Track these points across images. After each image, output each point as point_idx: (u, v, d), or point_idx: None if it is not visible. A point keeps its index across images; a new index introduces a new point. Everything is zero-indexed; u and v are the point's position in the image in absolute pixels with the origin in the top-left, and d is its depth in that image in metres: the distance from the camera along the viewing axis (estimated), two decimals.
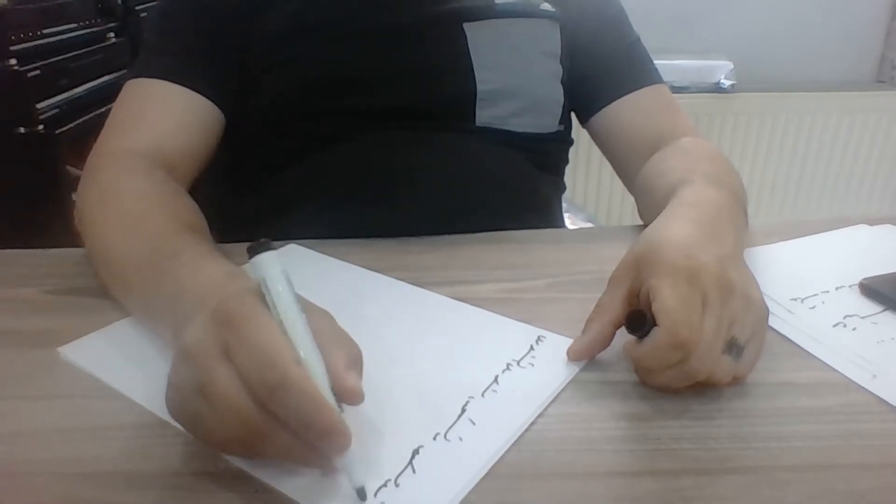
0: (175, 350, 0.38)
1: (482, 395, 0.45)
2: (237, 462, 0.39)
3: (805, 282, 0.59)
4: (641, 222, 0.71)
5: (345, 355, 0.37)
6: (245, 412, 0.34)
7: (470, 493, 0.37)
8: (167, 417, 0.42)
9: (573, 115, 0.84)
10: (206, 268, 0.45)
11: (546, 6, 0.78)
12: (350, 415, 0.36)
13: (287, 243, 0.65)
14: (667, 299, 0.42)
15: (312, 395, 0.33)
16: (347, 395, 0.36)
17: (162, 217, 0.55)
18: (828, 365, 0.48)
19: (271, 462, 0.38)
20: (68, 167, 1.33)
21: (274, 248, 0.38)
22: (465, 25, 0.74)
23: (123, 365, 0.48)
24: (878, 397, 0.45)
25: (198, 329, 0.36)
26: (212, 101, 0.70)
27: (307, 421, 0.33)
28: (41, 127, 1.33)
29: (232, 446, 0.36)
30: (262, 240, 0.38)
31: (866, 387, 0.46)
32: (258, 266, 0.37)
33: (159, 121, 0.68)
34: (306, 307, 0.38)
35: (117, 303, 0.55)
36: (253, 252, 0.37)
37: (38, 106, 1.33)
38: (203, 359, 0.35)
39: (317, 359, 0.36)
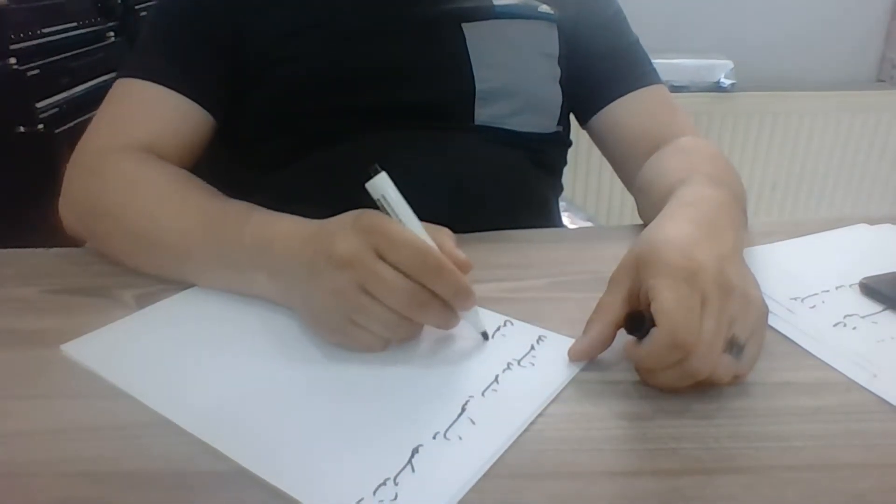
0: (309, 274, 0.48)
1: (482, 394, 0.45)
2: (237, 462, 0.39)
3: (805, 281, 0.59)
4: (641, 222, 0.71)
5: (448, 238, 0.49)
6: (412, 291, 0.44)
7: (469, 492, 0.37)
8: (168, 415, 0.42)
9: (572, 116, 0.84)
10: (282, 218, 0.55)
11: (544, 8, 0.78)
12: (350, 415, 0.36)
13: None
14: (665, 300, 0.42)
15: (457, 271, 0.46)
16: (464, 266, 0.48)
17: (200, 190, 0.61)
18: (828, 365, 0.48)
19: (268, 458, 0.38)
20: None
21: (383, 171, 0.47)
22: (464, 25, 0.74)
23: (126, 363, 0.48)
24: (878, 397, 0.45)
25: (346, 241, 0.45)
26: (200, 104, 0.70)
27: (456, 289, 0.46)
28: (41, 126, 1.32)
29: (387, 332, 0.47)
30: (374, 166, 0.46)
31: (866, 386, 0.46)
32: (376, 186, 0.46)
33: (148, 123, 0.68)
34: None
35: (118, 301, 0.55)
36: (368, 177, 0.46)
37: (38, 105, 1.33)
38: (363, 261, 0.44)
39: (434, 246, 0.46)
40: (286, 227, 0.53)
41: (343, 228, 0.46)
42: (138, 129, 0.67)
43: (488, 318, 0.53)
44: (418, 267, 0.44)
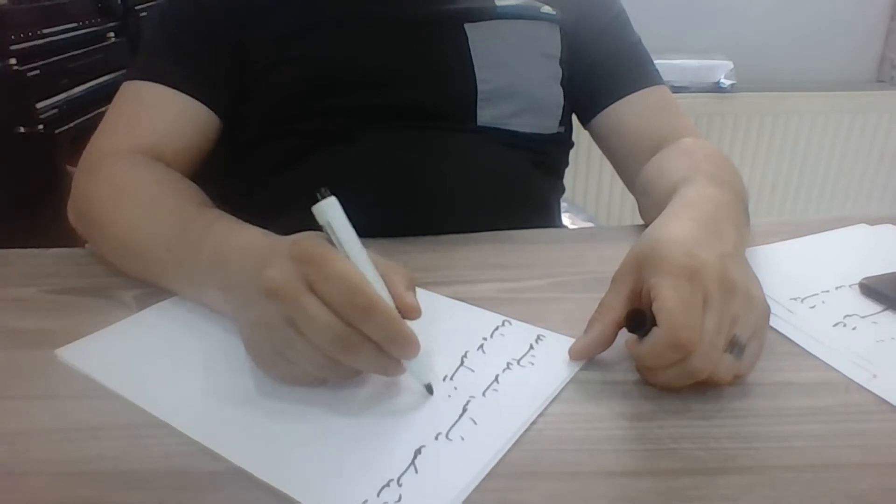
0: (246, 297, 0.44)
1: (483, 394, 0.45)
2: (237, 462, 0.39)
3: (805, 282, 0.59)
4: (642, 222, 0.71)
5: (402, 279, 0.44)
6: (338, 331, 0.40)
7: (471, 492, 0.37)
8: (166, 418, 0.42)
9: (574, 116, 0.84)
10: (241, 232, 0.52)
11: (546, 9, 0.78)
12: (353, 416, 0.37)
13: None
14: (667, 299, 0.42)
15: (394, 314, 0.41)
16: (408, 311, 0.43)
17: (179, 198, 0.60)
18: (828, 365, 0.48)
19: (271, 461, 0.38)
20: (68, 167, 1.33)
21: (332, 196, 0.42)
22: (467, 26, 0.74)
23: (121, 367, 0.48)
24: (878, 397, 0.45)
25: (278, 269, 0.41)
26: (206, 105, 0.71)
27: (391, 334, 0.40)
28: (41, 127, 1.32)
29: (315, 371, 0.42)
30: (322, 189, 0.42)
31: (866, 386, 0.46)
32: (323, 211, 0.42)
33: (155, 124, 0.69)
34: None
35: (118, 302, 0.55)
36: (315, 201, 0.42)
37: (38, 106, 1.33)
38: (292, 293, 0.40)
39: (381, 284, 0.42)
40: (244, 241, 0.50)
41: (279, 253, 0.43)
42: (143, 131, 0.68)
43: (486, 319, 0.53)
44: (345, 304, 0.39)
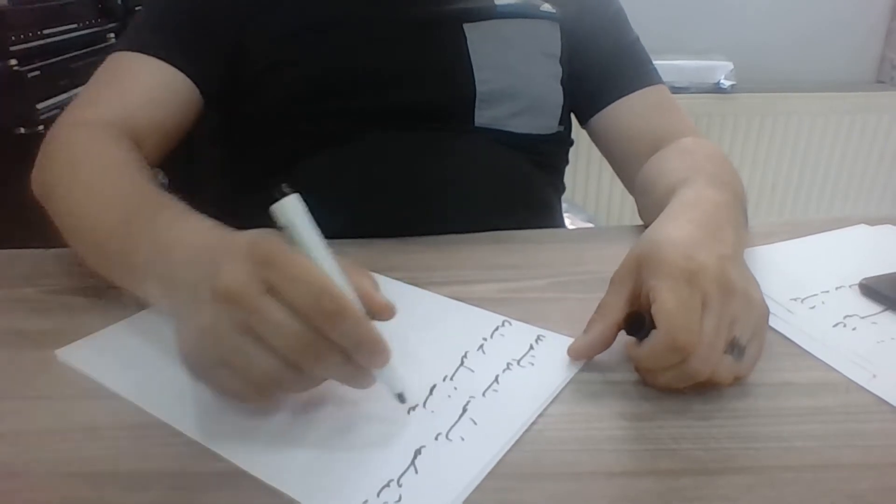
0: (192, 298, 0.39)
1: (483, 394, 0.45)
2: (237, 462, 0.39)
3: (805, 282, 0.59)
4: (641, 222, 0.71)
5: (368, 280, 0.42)
6: (304, 336, 0.36)
7: (471, 492, 0.37)
8: (166, 418, 0.42)
9: (573, 115, 0.84)
10: (190, 222, 0.47)
11: (546, 7, 0.78)
12: (353, 417, 0.37)
13: None
14: (666, 301, 0.42)
15: (362, 319, 0.37)
16: (381, 312, 0.41)
17: (129, 181, 0.56)
18: (828, 365, 0.48)
19: (271, 461, 0.38)
20: None
21: (293, 193, 0.39)
22: (466, 26, 0.74)
23: (120, 367, 0.48)
24: (878, 397, 0.45)
25: (234, 271, 0.37)
26: (190, 78, 0.69)
27: (359, 340, 0.37)
28: (41, 127, 1.32)
29: (262, 383, 0.38)
30: (282, 186, 0.39)
31: (866, 387, 0.46)
32: (284, 210, 0.39)
33: (131, 92, 0.67)
34: None
35: (118, 302, 0.55)
36: (275, 199, 0.39)
37: (38, 106, 1.33)
38: (249, 297, 0.36)
39: (348, 287, 0.39)
40: (191, 233, 0.45)
41: (234, 253, 0.38)
42: (118, 100, 0.66)
43: (486, 319, 0.53)
44: (312, 308, 0.36)
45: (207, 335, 0.38)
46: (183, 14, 0.72)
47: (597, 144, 0.83)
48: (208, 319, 0.38)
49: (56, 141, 0.63)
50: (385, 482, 0.37)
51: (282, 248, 0.38)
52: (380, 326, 0.43)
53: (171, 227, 0.47)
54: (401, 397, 0.41)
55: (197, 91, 0.70)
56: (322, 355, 0.37)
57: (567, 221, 0.94)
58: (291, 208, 0.39)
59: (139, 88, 0.67)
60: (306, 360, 0.37)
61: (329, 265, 0.39)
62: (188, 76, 0.69)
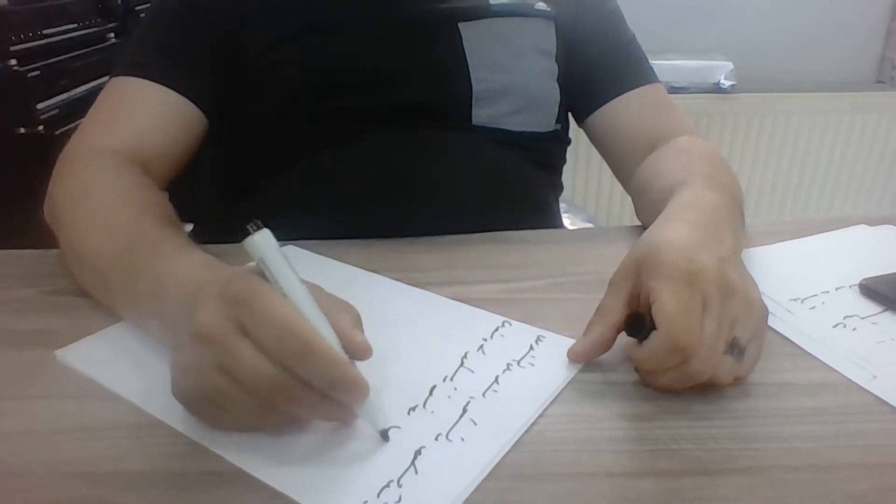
0: (178, 336, 0.40)
1: (483, 395, 0.45)
2: (237, 462, 0.39)
3: (805, 282, 0.59)
4: (641, 223, 0.71)
5: (347, 317, 0.41)
6: (275, 378, 0.36)
7: (471, 492, 0.37)
8: (166, 418, 0.42)
9: (570, 114, 0.84)
10: (186, 258, 0.48)
11: (541, 5, 0.78)
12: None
13: (284, 244, 0.65)
14: (666, 303, 0.42)
15: (335, 357, 0.37)
16: (358, 351, 0.39)
17: (136, 212, 0.56)
18: (828, 365, 0.48)
19: (270, 461, 0.38)
20: None
21: (265, 228, 0.39)
22: (461, 25, 0.74)
23: (120, 368, 0.48)
24: (878, 397, 0.45)
25: (208, 311, 0.38)
26: (193, 102, 0.70)
27: (332, 379, 0.37)
28: (41, 127, 1.32)
29: (248, 420, 0.39)
30: (254, 221, 0.39)
31: (866, 387, 0.46)
32: (255, 246, 0.39)
33: (137, 119, 0.68)
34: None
35: None
36: (247, 234, 0.39)
37: (38, 106, 1.33)
38: (222, 337, 0.37)
39: (324, 324, 0.39)
40: (185, 272, 0.46)
41: (210, 294, 0.39)
42: (124, 129, 0.67)
43: (486, 319, 0.53)
44: (278, 350, 0.36)
45: (190, 375, 0.39)
46: (179, 31, 0.72)
47: (593, 143, 0.83)
48: (190, 359, 0.39)
49: (66, 170, 0.64)
50: (385, 482, 0.37)
51: (255, 286, 0.38)
52: (380, 329, 0.43)
53: (169, 263, 0.48)
54: (384, 435, 0.40)
55: (200, 113, 0.71)
56: (295, 396, 0.37)
57: (567, 221, 0.94)
58: (263, 244, 0.39)
59: (144, 115, 0.68)
60: (280, 401, 0.37)
61: (303, 301, 0.38)
62: (191, 100, 0.70)
